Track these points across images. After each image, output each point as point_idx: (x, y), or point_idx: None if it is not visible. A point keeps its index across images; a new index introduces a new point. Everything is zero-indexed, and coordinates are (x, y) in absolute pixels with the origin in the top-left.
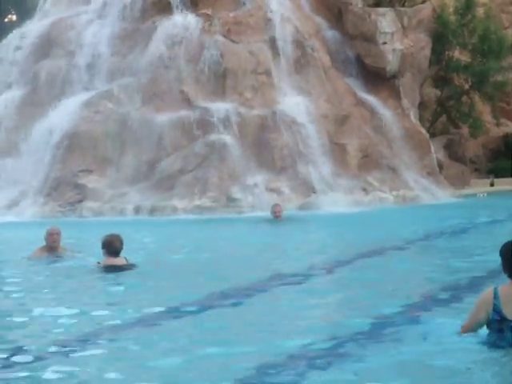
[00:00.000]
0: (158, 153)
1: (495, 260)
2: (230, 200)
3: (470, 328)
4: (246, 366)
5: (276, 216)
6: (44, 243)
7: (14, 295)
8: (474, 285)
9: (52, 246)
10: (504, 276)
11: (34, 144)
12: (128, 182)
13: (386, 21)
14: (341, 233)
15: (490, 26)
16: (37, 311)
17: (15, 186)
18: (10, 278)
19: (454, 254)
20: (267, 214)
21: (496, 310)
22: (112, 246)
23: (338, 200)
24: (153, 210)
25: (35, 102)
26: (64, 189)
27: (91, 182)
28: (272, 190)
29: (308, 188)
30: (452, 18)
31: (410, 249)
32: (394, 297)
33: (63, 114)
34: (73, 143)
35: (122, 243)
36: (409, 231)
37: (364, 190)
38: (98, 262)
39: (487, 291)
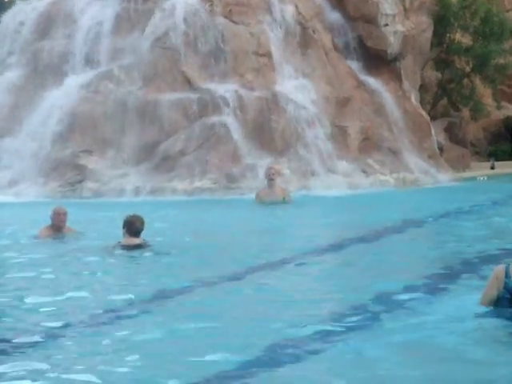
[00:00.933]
0: (158, 134)
1: (495, 243)
2: (231, 181)
3: (484, 303)
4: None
5: (270, 179)
6: (49, 222)
7: (30, 274)
8: (473, 267)
9: (59, 226)
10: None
11: (33, 124)
12: (128, 163)
13: (387, 3)
14: (341, 214)
15: (491, 8)
16: (58, 290)
17: (15, 166)
18: (21, 258)
19: (456, 235)
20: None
21: (507, 288)
22: (133, 226)
23: (338, 182)
24: (153, 191)
25: (35, 82)
26: (64, 169)
27: (91, 162)
28: None
29: (308, 170)
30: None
31: (411, 231)
32: (401, 274)
33: (63, 94)
34: (73, 123)
35: (143, 223)
36: (409, 213)
37: (364, 172)
38: (119, 242)
39: (499, 269)
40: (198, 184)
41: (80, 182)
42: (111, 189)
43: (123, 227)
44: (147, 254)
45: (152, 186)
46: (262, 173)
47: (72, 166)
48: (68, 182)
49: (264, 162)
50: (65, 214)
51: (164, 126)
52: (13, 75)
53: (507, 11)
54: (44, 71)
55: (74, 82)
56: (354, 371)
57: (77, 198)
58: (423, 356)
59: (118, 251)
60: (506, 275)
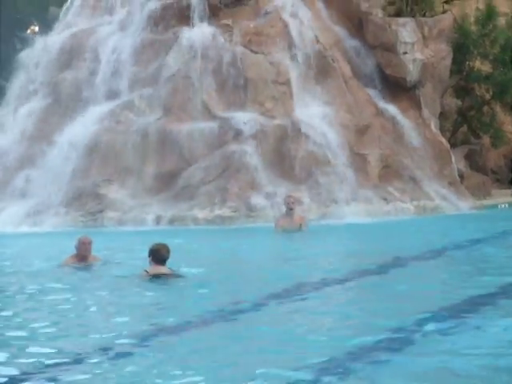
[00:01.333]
0: (178, 163)
1: None
2: (250, 210)
3: None
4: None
5: (290, 208)
6: (74, 252)
7: (56, 301)
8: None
9: (84, 255)
10: None
11: (55, 154)
12: (149, 193)
13: (406, 31)
14: (362, 243)
15: (511, 35)
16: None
17: (37, 196)
18: (49, 285)
19: (477, 264)
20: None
21: None
22: (159, 254)
23: (358, 210)
24: (173, 220)
25: (57, 113)
26: (85, 199)
27: (112, 192)
28: None
29: (328, 198)
30: (473, 27)
31: (434, 259)
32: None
33: (85, 125)
34: (94, 153)
35: (168, 252)
36: (430, 242)
37: (385, 199)
38: (146, 270)
39: None
40: (218, 212)
41: (101, 211)
42: (132, 218)
43: (149, 255)
44: (174, 283)
45: (173, 214)
46: (281, 201)
47: (93, 195)
48: (89, 211)
49: (284, 190)
50: (90, 243)
51: (184, 155)
52: (34, 106)
53: None
54: (65, 102)
55: (95, 112)
56: None
57: (98, 227)
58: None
59: (145, 280)
60: None
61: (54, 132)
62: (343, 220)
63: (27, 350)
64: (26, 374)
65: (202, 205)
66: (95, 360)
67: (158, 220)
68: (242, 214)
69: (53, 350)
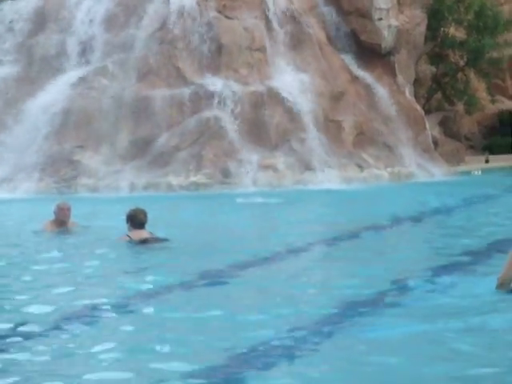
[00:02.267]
0: (152, 129)
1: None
2: (225, 176)
3: (504, 283)
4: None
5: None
6: (52, 217)
7: (39, 267)
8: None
9: (63, 221)
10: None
11: (28, 120)
12: (123, 159)
13: None
14: (336, 209)
15: (485, 2)
16: (67, 282)
17: (9, 162)
18: (27, 252)
19: (449, 229)
20: (262, 190)
21: None
22: (137, 218)
23: (333, 177)
24: (148, 187)
25: (29, 78)
26: (59, 165)
27: (86, 158)
28: (267, 167)
29: (303, 165)
30: None
31: (406, 225)
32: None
33: (57, 90)
34: (67, 119)
35: (145, 215)
36: (405, 208)
37: (359, 166)
38: (127, 235)
39: None
40: (193, 179)
41: (75, 178)
42: (106, 185)
43: (127, 221)
44: (156, 247)
45: (147, 181)
46: (256, 167)
47: (67, 162)
48: (63, 178)
49: (259, 157)
50: (69, 209)
51: (158, 122)
52: (7, 71)
53: (501, 5)
54: (38, 67)
55: (68, 78)
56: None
57: (72, 193)
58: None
59: (127, 244)
60: None
61: (27, 97)
62: (318, 186)
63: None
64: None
65: (176, 171)
66: (74, 325)
67: (132, 187)
68: (217, 181)
69: (29, 315)
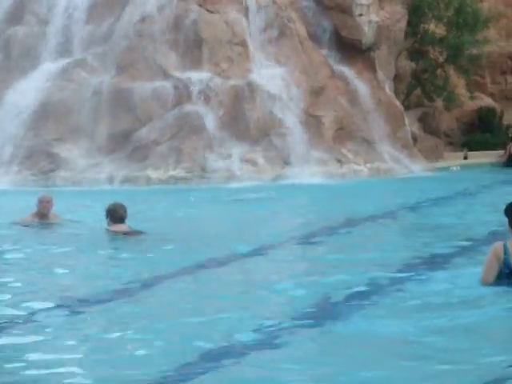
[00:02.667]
0: (132, 123)
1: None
2: (205, 171)
3: (488, 279)
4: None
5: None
6: (34, 210)
7: (17, 258)
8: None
9: (44, 213)
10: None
11: (6, 112)
12: (102, 152)
13: None
14: (316, 205)
15: None
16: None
17: None
18: (9, 243)
19: (429, 224)
20: (242, 185)
21: (506, 263)
22: (117, 214)
23: (312, 172)
24: (126, 180)
25: (7, 69)
26: (37, 158)
27: (64, 151)
28: (247, 161)
29: (283, 159)
30: None
31: (386, 220)
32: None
33: (36, 82)
34: (46, 112)
35: (125, 211)
36: (382, 203)
37: (338, 161)
38: (106, 229)
39: (497, 246)
40: (172, 173)
41: (53, 170)
42: (85, 178)
43: (106, 216)
44: (135, 239)
45: (126, 174)
46: (236, 161)
47: (45, 154)
48: (41, 170)
49: (239, 151)
50: (49, 201)
51: (138, 115)
52: None
53: (481, 2)
54: (16, 58)
55: (47, 69)
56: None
57: (50, 186)
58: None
59: (107, 237)
60: (505, 251)
61: (4, 89)
62: (297, 181)
63: None
64: None
65: (155, 165)
66: (58, 315)
67: (110, 180)
68: (196, 175)
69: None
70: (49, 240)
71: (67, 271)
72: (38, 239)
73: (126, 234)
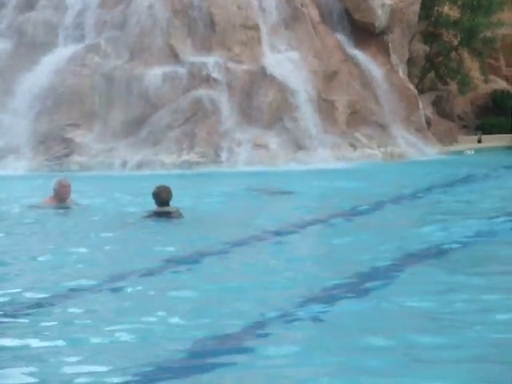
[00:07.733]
0: (145, 108)
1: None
2: (218, 155)
3: None
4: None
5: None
6: (52, 194)
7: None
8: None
9: (63, 198)
10: None
11: (20, 98)
12: (115, 137)
13: None
14: (330, 189)
15: None
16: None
17: (1, 140)
18: (32, 225)
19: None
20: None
21: None
22: (160, 197)
23: (326, 156)
24: (140, 165)
25: (21, 55)
26: (51, 143)
27: (78, 136)
28: (260, 146)
29: (296, 144)
30: None
31: (400, 204)
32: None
33: (50, 68)
34: (59, 97)
35: (169, 194)
36: (397, 187)
37: (352, 146)
38: (154, 211)
39: None
40: (185, 157)
41: (67, 155)
42: (98, 163)
43: (153, 198)
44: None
45: (140, 159)
46: (249, 146)
47: (59, 139)
48: (55, 155)
49: (252, 136)
50: (69, 186)
51: (151, 100)
52: None
53: None
54: (30, 44)
55: (61, 55)
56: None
57: (64, 171)
58: None
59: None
60: None
61: (18, 75)
62: (311, 166)
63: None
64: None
65: (169, 150)
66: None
67: (124, 165)
68: (210, 160)
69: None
70: (68, 224)
71: (100, 254)
72: (60, 222)
73: (169, 214)
